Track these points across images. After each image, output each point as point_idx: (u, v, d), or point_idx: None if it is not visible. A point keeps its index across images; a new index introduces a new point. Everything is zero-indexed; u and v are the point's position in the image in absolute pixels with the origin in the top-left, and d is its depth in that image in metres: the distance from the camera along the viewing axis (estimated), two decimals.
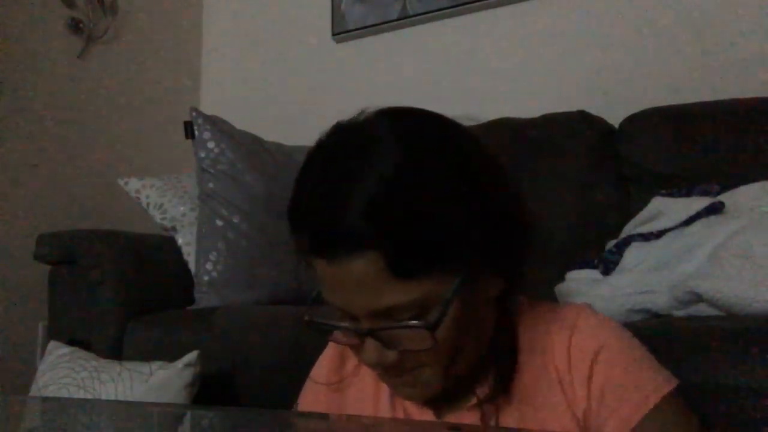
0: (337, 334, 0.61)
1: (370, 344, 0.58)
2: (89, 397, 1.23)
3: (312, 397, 0.74)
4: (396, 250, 0.54)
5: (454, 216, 0.55)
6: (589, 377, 0.61)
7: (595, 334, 0.63)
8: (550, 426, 0.61)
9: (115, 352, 1.47)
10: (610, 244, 1.23)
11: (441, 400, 0.66)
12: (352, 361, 0.73)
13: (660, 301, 1.02)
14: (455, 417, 0.65)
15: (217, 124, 1.64)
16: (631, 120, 1.55)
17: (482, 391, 0.63)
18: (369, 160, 0.55)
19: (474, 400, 0.64)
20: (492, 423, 0.63)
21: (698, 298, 0.98)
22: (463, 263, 0.56)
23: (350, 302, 0.57)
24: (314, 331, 0.62)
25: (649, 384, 0.60)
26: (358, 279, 0.55)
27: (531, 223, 0.62)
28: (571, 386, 0.61)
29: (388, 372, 0.60)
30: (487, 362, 0.64)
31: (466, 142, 0.60)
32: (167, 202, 1.70)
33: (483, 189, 0.58)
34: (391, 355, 0.58)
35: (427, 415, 0.67)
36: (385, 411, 0.69)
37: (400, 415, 0.68)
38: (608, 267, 1.17)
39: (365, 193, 0.54)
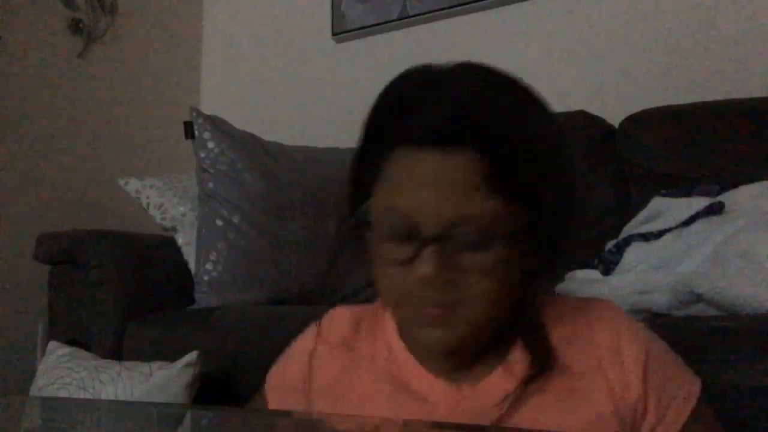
0: (388, 246, 0.58)
1: (432, 254, 0.55)
2: (89, 397, 1.23)
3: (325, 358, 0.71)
4: (497, 161, 0.54)
5: (548, 158, 0.58)
6: (645, 379, 0.61)
7: (640, 337, 0.64)
8: (585, 411, 0.60)
9: (115, 352, 1.47)
10: (610, 244, 1.23)
11: (459, 366, 0.63)
12: (365, 327, 0.70)
13: (660, 301, 1.02)
14: (472, 388, 0.63)
15: (217, 124, 1.64)
16: (631, 120, 1.55)
17: (514, 362, 0.62)
18: (484, 78, 0.59)
19: (495, 373, 0.62)
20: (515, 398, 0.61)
21: (698, 298, 0.98)
22: (535, 205, 0.57)
23: (427, 202, 0.55)
24: (357, 238, 0.60)
25: (689, 377, 0.63)
26: (450, 176, 0.54)
27: (579, 218, 0.64)
28: (622, 376, 0.61)
29: (430, 295, 0.56)
30: (507, 341, 0.64)
31: (556, 119, 0.63)
32: (167, 202, 1.70)
33: (566, 168, 0.61)
34: (449, 273, 0.55)
35: (433, 382, 0.64)
36: (382, 376, 0.66)
37: (398, 382, 0.64)
38: (608, 267, 1.17)
39: (482, 97, 0.56)
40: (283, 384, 0.74)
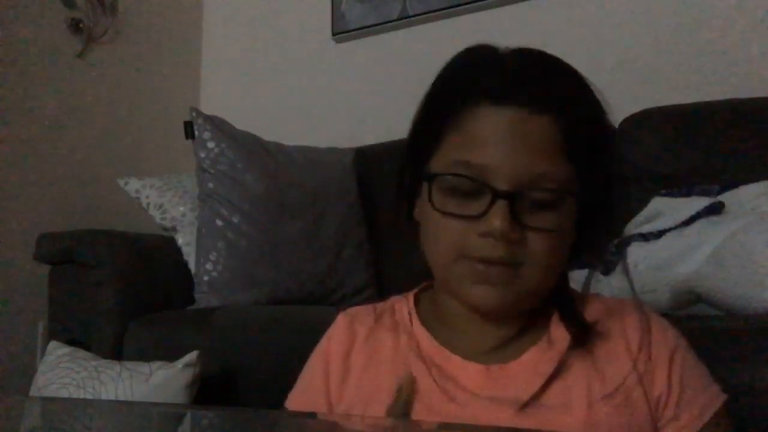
0: (454, 200, 0.59)
1: (503, 209, 0.56)
2: (89, 397, 1.23)
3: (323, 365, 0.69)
4: (575, 124, 0.58)
5: (608, 132, 0.62)
6: (670, 371, 0.62)
7: (669, 331, 0.65)
8: (614, 394, 0.60)
9: (115, 352, 1.47)
10: (610, 244, 1.23)
11: (495, 338, 0.63)
12: (386, 320, 0.70)
13: (660, 301, 1.02)
14: (501, 369, 0.62)
15: (217, 124, 1.64)
16: (631, 120, 1.55)
17: (545, 343, 0.62)
18: (553, 57, 0.63)
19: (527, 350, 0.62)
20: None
21: (698, 298, 0.98)
22: (591, 177, 0.59)
23: (504, 158, 0.57)
24: (430, 181, 0.59)
25: (713, 388, 0.64)
26: (529, 134, 0.57)
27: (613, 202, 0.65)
28: (649, 373, 0.61)
29: (492, 251, 0.57)
30: (538, 322, 0.64)
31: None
32: (167, 202, 1.70)
33: (613, 150, 0.65)
34: (517, 230, 0.57)
35: (463, 364, 0.63)
36: (414, 362, 0.64)
37: (428, 365, 0.63)
38: (608, 267, 1.17)
39: (561, 65, 0.61)
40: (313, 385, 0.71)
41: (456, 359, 0.63)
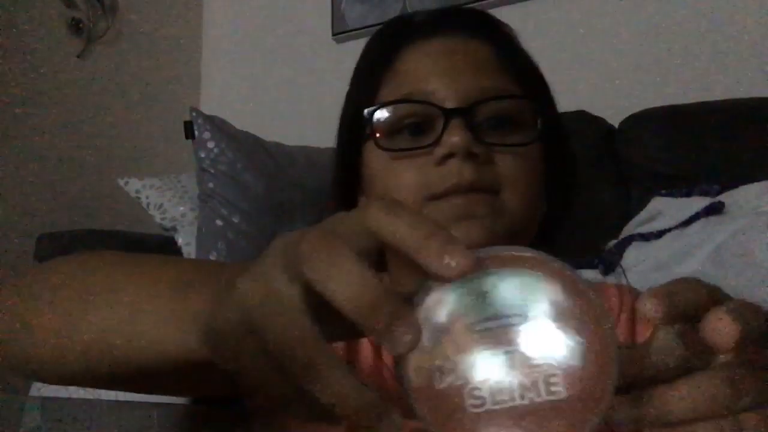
0: (404, 140, 0.53)
1: (458, 124, 0.50)
2: (89, 397, 1.22)
3: None
4: (508, 49, 0.58)
5: (543, 83, 0.61)
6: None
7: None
8: None
9: None
10: (610, 244, 1.23)
11: None
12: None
13: None
14: None
15: (217, 124, 1.64)
16: (631, 120, 1.55)
17: None
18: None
19: None
20: None
21: None
22: (547, 123, 0.57)
23: (445, 77, 0.53)
24: (371, 125, 0.54)
25: None
26: (464, 53, 0.55)
27: (579, 178, 0.63)
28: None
29: (461, 175, 0.50)
30: None
31: None
32: (167, 202, 1.70)
33: (557, 116, 0.63)
34: (478, 147, 0.51)
35: None
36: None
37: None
38: (608, 267, 1.17)
39: (482, 12, 0.61)
40: None
41: None
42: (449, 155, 0.51)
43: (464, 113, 0.51)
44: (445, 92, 0.53)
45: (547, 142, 0.57)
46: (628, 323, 0.60)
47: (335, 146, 0.64)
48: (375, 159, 0.56)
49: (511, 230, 0.53)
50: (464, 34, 0.56)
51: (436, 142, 0.52)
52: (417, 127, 0.53)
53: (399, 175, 0.53)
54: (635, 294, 0.63)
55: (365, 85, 0.60)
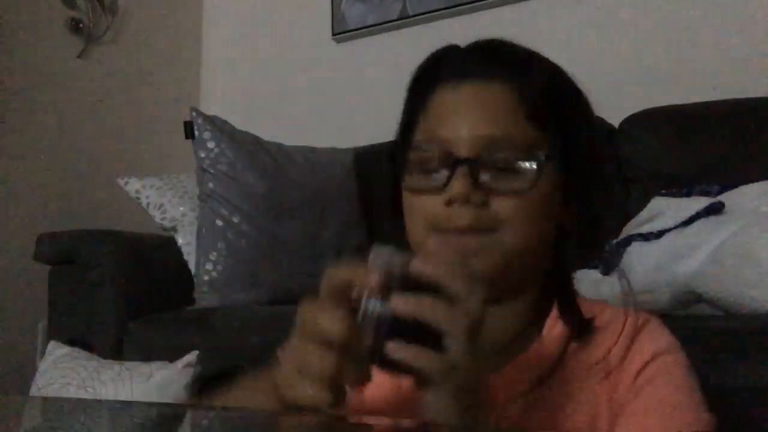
0: (423, 177, 0.61)
1: (463, 173, 0.57)
2: (89, 397, 1.23)
3: None
4: (535, 91, 0.60)
5: (579, 106, 0.64)
6: (638, 372, 0.59)
7: (665, 338, 0.62)
8: (579, 413, 0.59)
9: (115, 352, 1.47)
10: (610, 244, 1.23)
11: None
12: None
13: (660, 301, 1.02)
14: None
15: (217, 124, 1.64)
16: (631, 120, 1.55)
17: (537, 348, 0.62)
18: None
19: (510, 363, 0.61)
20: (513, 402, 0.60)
21: (698, 298, 0.98)
22: (570, 150, 0.61)
23: (464, 125, 0.59)
24: (396, 160, 0.63)
25: (690, 413, 0.58)
26: (490, 101, 0.60)
27: (612, 191, 0.65)
28: (620, 371, 0.60)
29: (461, 218, 0.57)
30: (534, 311, 0.64)
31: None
32: (167, 202, 1.70)
33: (594, 128, 0.67)
34: (479, 193, 0.57)
35: None
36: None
37: None
38: (608, 267, 1.17)
39: (515, 49, 0.64)
40: None
41: None
42: (450, 201, 0.58)
43: (470, 162, 0.58)
44: (459, 140, 0.59)
45: (569, 170, 0.62)
46: (627, 348, 0.61)
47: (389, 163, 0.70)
48: (403, 189, 0.64)
49: (506, 263, 0.59)
50: (489, 77, 0.60)
51: (444, 186, 0.59)
52: (434, 168, 0.60)
53: (415, 208, 0.62)
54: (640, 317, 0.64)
55: (406, 118, 0.67)
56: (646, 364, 0.60)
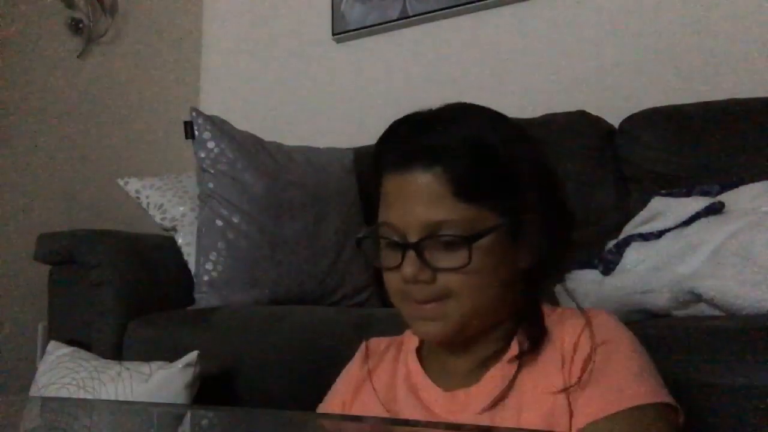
0: (387, 254, 0.69)
1: (412, 257, 0.66)
2: (89, 397, 1.23)
3: (339, 398, 0.80)
4: (460, 172, 0.65)
5: (512, 166, 0.67)
6: (587, 359, 0.64)
7: (609, 328, 0.67)
8: (541, 407, 0.65)
9: (115, 352, 1.47)
10: (610, 244, 1.23)
11: (457, 355, 0.72)
12: (373, 358, 0.81)
13: (660, 301, 1.02)
14: (465, 393, 0.69)
15: (217, 124, 1.64)
16: (631, 120, 1.55)
17: (504, 362, 0.69)
18: (449, 112, 0.72)
19: (487, 374, 0.69)
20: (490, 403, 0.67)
21: (698, 298, 0.98)
22: (510, 210, 0.67)
23: (407, 213, 0.67)
24: (363, 246, 0.73)
25: (630, 389, 0.62)
26: (422, 190, 0.66)
27: (572, 219, 0.72)
28: (571, 364, 0.65)
29: (417, 293, 0.67)
30: (507, 337, 0.70)
31: (525, 133, 0.74)
32: (167, 202, 1.70)
33: (538, 163, 0.70)
34: (427, 273, 0.66)
35: (435, 392, 0.71)
36: (401, 389, 0.74)
37: (412, 393, 0.73)
38: (608, 267, 1.17)
39: (444, 123, 0.69)
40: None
41: (432, 389, 0.72)
42: (404, 280, 0.67)
43: (416, 246, 0.66)
44: (407, 225, 0.67)
45: (515, 224, 0.67)
46: (575, 341, 0.67)
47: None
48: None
49: (461, 324, 0.67)
50: (419, 166, 0.67)
51: (399, 266, 0.67)
52: (393, 247, 0.69)
53: (388, 280, 0.71)
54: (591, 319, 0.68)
55: (374, 202, 0.74)
56: (591, 354, 0.64)
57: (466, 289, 0.66)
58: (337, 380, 0.83)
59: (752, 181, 1.19)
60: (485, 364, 0.70)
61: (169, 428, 0.54)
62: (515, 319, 0.71)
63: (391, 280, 0.69)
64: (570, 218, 0.72)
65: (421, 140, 0.68)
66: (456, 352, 0.72)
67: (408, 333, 0.81)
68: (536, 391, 0.66)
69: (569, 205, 0.72)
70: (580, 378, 0.63)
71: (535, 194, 0.68)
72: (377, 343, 0.83)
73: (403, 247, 0.67)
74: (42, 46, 1.97)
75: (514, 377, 0.67)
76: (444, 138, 0.68)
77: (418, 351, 0.77)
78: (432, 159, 0.66)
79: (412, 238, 0.67)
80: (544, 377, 0.66)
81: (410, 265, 0.66)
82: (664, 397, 0.62)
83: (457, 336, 0.69)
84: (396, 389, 0.75)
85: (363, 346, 0.83)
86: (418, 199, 0.66)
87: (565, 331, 0.68)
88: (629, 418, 0.60)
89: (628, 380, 0.62)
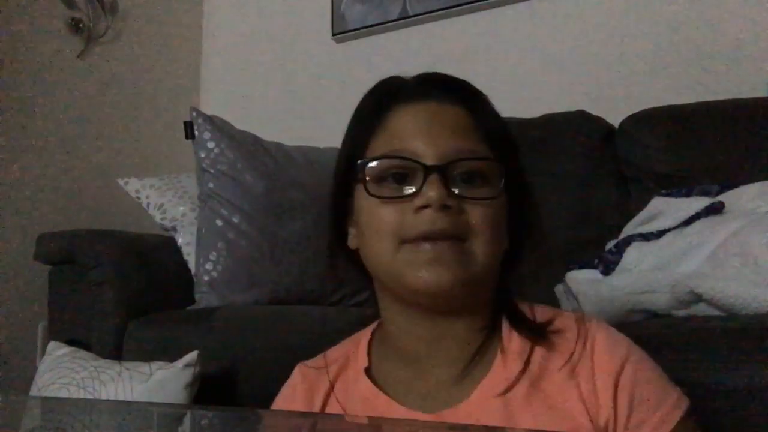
0: (389, 187, 0.62)
1: (436, 180, 0.59)
2: (89, 397, 1.23)
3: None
4: (485, 117, 0.65)
5: (511, 139, 0.67)
6: (616, 389, 0.60)
7: (617, 346, 0.63)
8: (565, 425, 0.60)
9: (115, 352, 1.47)
10: (610, 244, 1.23)
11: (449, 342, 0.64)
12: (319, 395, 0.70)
13: (660, 301, 1.02)
14: (452, 414, 0.61)
15: (217, 124, 1.64)
16: (631, 120, 1.55)
17: (492, 377, 0.62)
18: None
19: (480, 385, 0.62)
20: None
21: (698, 298, 0.98)
22: (508, 179, 0.63)
23: (429, 139, 0.62)
24: (363, 173, 0.63)
25: (670, 399, 0.61)
26: (449, 119, 0.63)
27: (539, 218, 0.70)
28: (593, 394, 0.60)
29: (434, 224, 0.59)
30: (484, 355, 0.64)
31: None
32: (167, 202, 1.70)
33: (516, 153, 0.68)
34: (450, 200, 0.60)
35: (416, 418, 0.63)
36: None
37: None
38: (608, 267, 1.17)
39: (461, 80, 0.68)
40: None
41: (401, 411, 0.63)
42: (425, 206, 0.59)
43: (441, 170, 0.60)
44: (426, 150, 0.61)
45: (511, 192, 0.65)
46: (589, 355, 0.62)
47: (332, 185, 0.72)
48: (363, 201, 0.64)
49: (474, 275, 0.60)
50: (445, 100, 0.65)
51: (416, 194, 0.60)
52: (401, 177, 0.62)
53: (381, 218, 0.62)
54: (594, 323, 0.65)
55: (359, 137, 0.67)
56: (619, 374, 0.61)
57: (488, 229, 0.60)
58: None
59: (752, 181, 1.19)
60: (467, 374, 0.63)
61: (169, 428, 0.54)
62: (490, 311, 0.65)
63: (391, 214, 0.61)
64: (537, 208, 0.70)
65: (445, 81, 0.67)
66: (425, 360, 0.64)
67: (354, 340, 0.72)
68: (538, 419, 0.59)
69: (536, 200, 0.70)
70: (615, 408, 0.59)
71: (521, 177, 0.67)
72: (306, 370, 0.73)
73: (425, 169, 0.60)
74: (42, 46, 1.97)
75: (524, 372, 0.61)
76: (463, 84, 0.67)
77: (367, 372, 0.67)
78: (458, 97, 0.64)
79: (434, 160, 0.60)
80: (557, 392, 0.61)
81: (437, 187, 0.59)
82: (684, 396, 0.63)
83: (458, 294, 0.60)
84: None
85: (296, 373, 0.73)
86: (442, 126, 0.62)
87: (571, 350, 0.62)
88: (685, 421, 0.60)
89: (665, 391, 0.61)
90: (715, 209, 1.11)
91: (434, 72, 0.69)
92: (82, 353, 1.38)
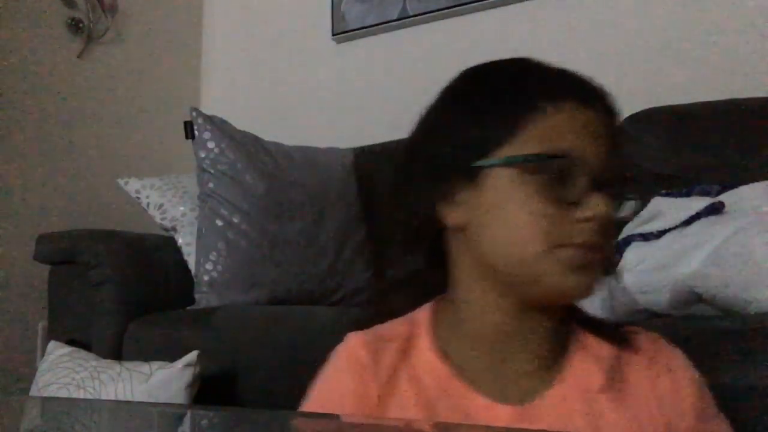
0: (550, 186, 0.59)
1: (608, 195, 0.58)
2: (89, 397, 1.23)
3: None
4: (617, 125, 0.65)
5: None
6: (694, 407, 0.63)
7: (689, 370, 0.66)
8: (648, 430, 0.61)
9: (115, 352, 1.47)
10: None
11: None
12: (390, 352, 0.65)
13: (660, 301, 1.02)
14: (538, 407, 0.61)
15: (217, 124, 1.64)
16: (631, 120, 1.55)
17: (571, 372, 0.63)
18: None
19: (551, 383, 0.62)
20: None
21: (698, 298, 0.98)
22: None
23: (600, 151, 0.60)
24: (520, 165, 0.59)
25: (722, 421, 0.65)
26: (611, 134, 0.61)
27: None
28: (677, 410, 0.63)
29: (591, 236, 0.58)
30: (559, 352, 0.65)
31: None
32: (167, 202, 1.70)
33: None
34: (613, 216, 0.60)
35: (496, 411, 0.61)
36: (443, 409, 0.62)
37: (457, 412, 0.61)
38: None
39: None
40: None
41: (480, 401, 0.61)
42: (590, 218, 0.58)
43: (613, 186, 0.59)
44: (601, 160, 0.60)
45: None
46: (666, 368, 0.64)
47: (398, 181, 0.68)
48: (509, 192, 0.60)
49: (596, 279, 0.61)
50: (601, 106, 0.62)
51: (579, 203, 0.59)
52: (558, 180, 0.59)
53: (535, 219, 0.59)
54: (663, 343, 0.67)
55: (493, 122, 0.63)
56: (696, 396, 0.64)
57: (613, 242, 0.63)
58: (323, 400, 0.67)
59: (752, 181, 1.19)
60: (547, 366, 0.63)
61: (169, 428, 0.54)
62: (567, 308, 0.67)
63: (549, 216, 0.58)
64: None
65: (602, 88, 0.64)
66: (507, 349, 0.62)
67: (404, 328, 0.67)
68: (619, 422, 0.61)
69: None
70: (695, 417, 0.63)
71: None
72: (367, 338, 0.66)
73: (595, 182, 0.58)
74: (42, 46, 1.97)
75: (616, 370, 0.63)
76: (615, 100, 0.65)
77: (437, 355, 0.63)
78: (608, 101, 0.63)
79: (607, 174, 0.60)
80: (637, 395, 0.62)
81: (608, 205, 0.58)
82: None
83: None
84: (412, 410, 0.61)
85: (353, 342, 0.66)
86: (611, 140, 0.61)
87: (639, 343, 0.65)
88: None
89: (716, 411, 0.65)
90: (715, 209, 1.11)
91: (585, 75, 0.66)
92: (82, 353, 1.38)
